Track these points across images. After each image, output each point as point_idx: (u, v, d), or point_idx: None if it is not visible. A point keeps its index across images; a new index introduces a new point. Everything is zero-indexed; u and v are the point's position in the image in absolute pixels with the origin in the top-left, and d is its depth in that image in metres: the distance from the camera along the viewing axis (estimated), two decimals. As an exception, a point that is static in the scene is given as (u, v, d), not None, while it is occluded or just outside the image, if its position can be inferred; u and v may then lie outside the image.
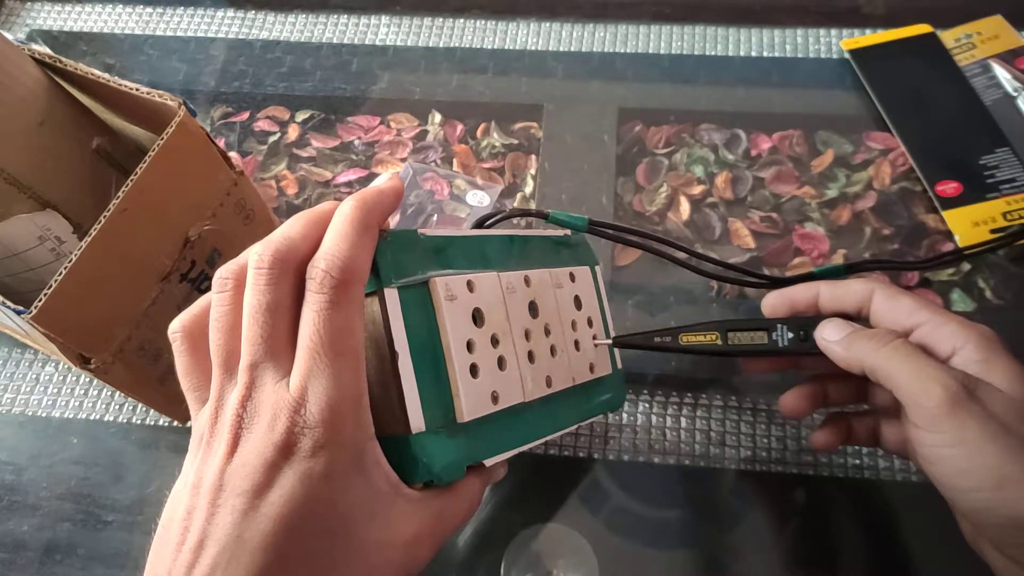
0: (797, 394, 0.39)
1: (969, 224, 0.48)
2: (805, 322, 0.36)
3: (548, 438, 0.35)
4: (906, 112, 0.54)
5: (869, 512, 0.41)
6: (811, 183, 0.52)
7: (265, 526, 0.25)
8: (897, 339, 0.33)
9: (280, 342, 0.27)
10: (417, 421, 0.28)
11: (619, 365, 0.41)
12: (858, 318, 0.36)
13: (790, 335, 0.36)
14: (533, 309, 0.35)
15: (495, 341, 0.32)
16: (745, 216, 0.51)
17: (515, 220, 0.44)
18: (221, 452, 0.26)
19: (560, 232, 0.40)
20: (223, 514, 0.26)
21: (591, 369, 0.38)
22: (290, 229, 0.28)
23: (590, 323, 0.38)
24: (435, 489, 0.29)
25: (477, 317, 0.32)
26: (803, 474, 0.42)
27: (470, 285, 0.31)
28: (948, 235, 0.49)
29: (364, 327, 0.28)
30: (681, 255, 0.46)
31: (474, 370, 0.31)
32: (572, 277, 0.38)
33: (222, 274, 0.28)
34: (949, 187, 0.50)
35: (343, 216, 0.28)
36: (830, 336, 0.35)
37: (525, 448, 0.33)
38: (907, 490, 0.41)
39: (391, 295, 0.28)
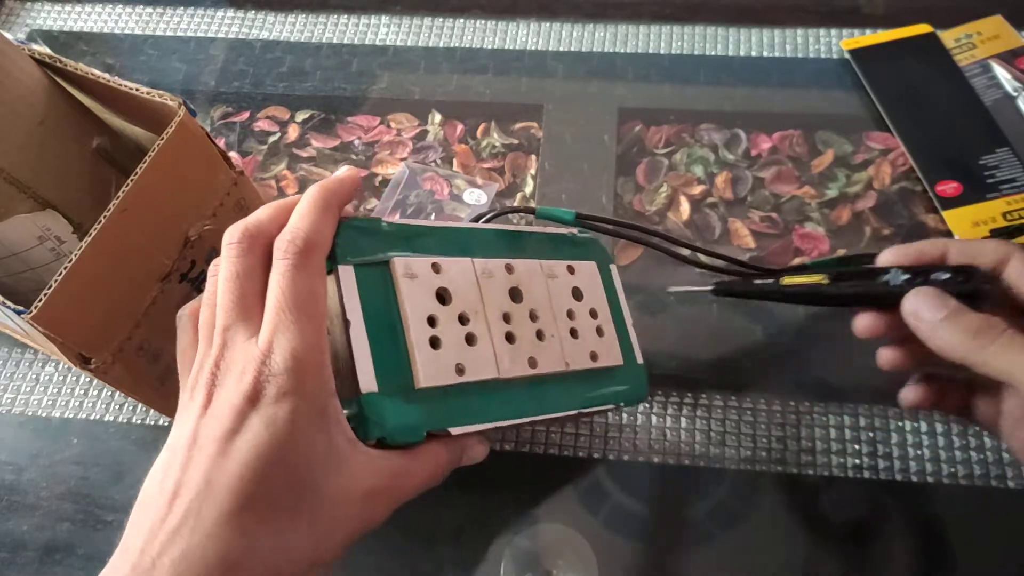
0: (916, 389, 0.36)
1: (969, 224, 0.48)
2: (926, 268, 0.32)
3: (535, 419, 0.36)
4: (906, 112, 0.54)
5: (869, 512, 0.41)
6: (811, 183, 0.52)
7: (233, 469, 0.27)
8: (1008, 330, 0.30)
9: (249, 306, 0.30)
10: (368, 383, 0.30)
11: (639, 360, 0.40)
12: (990, 280, 0.33)
13: (905, 276, 0.33)
14: (516, 295, 0.36)
15: (463, 319, 0.34)
16: (745, 216, 0.51)
17: (514, 219, 0.44)
18: (196, 408, 0.29)
19: (565, 230, 0.41)
20: (196, 463, 0.28)
21: (593, 358, 0.38)
22: (259, 212, 0.31)
23: (594, 314, 0.39)
24: (394, 450, 0.31)
25: (445, 296, 0.34)
26: (803, 474, 0.42)
27: (435, 267, 0.34)
28: (948, 235, 0.49)
29: (325, 296, 0.30)
30: (681, 250, 0.46)
31: (435, 342, 0.33)
32: (571, 270, 0.39)
33: (213, 261, 0.31)
34: (949, 187, 0.50)
35: (305, 198, 0.31)
36: (926, 314, 0.31)
37: (503, 424, 0.34)
38: (907, 490, 0.41)
39: (345, 270, 0.31)
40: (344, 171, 0.34)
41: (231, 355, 0.29)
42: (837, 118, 0.54)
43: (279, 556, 0.28)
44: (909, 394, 0.37)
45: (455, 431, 0.32)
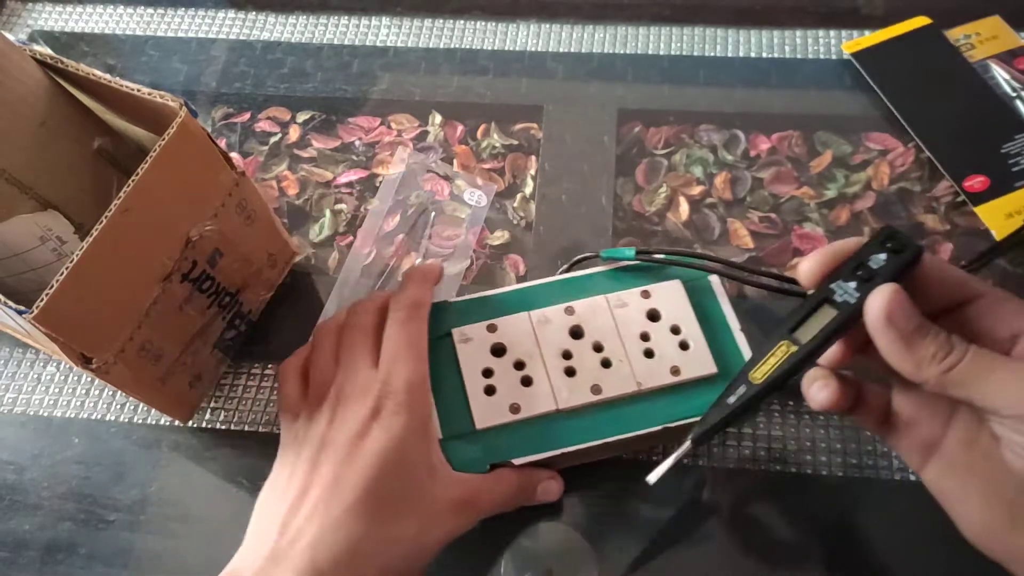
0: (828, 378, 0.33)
1: (1003, 217, 0.48)
2: (857, 264, 0.31)
3: (609, 440, 0.39)
4: (920, 109, 0.53)
5: (869, 511, 0.41)
6: (810, 183, 0.52)
7: (359, 468, 0.34)
8: (970, 349, 0.29)
9: (369, 348, 0.39)
10: (435, 433, 0.38)
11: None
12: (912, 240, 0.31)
13: (852, 286, 0.31)
14: (577, 332, 0.41)
15: (520, 365, 0.40)
16: (744, 216, 0.51)
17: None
18: (324, 422, 0.37)
19: (624, 262, 0.44)
20: (325, 464, 0.35)
21: (674, 372, 0.40)
22: (380, 294, 0.43)
23: (676, 330, 0.41)
24: (476, 473, 0.38)
25: (501, 350, 0.41)
26: (802, 473, 0.42)
27: (491, 327, 0.41)
28: (947, 235, 0.49)
29: (427, 342, 0.39)
30: (738, 273, 0.45)
31: (490, 390, 0.40)
32: (646, 294, 0.42)
33: (321, 329, 0.42)
34: (976, 181, 0.49)
35: (410, 275, 0.42)
36: (892, 314, 0.29)
37: (568, 450, 0.39)
38: (907, 489, 0.41)
39: None
40: (432, 261, 0.48)
41: (356, 380, 0.37)
42: (836, 119, 0.54)
43: (391, 544, 0.34)
44: (819, 391, 0.33)
45: (517, 461, 0.39)
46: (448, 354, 0.41)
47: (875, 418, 0.34)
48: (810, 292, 0.33)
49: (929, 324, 0.30)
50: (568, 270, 0.46)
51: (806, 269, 0.32)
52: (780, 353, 0.32)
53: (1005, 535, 0.30)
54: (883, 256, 0.31)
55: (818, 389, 0.33)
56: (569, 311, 0.42)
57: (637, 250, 0.44)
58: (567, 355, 0.40)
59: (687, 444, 0.35)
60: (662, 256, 0.44)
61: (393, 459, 0.35)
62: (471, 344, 0.41)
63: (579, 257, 0.47)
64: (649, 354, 0.40)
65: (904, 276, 0.31)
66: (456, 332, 0.41)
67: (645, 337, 0.41)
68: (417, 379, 0.37)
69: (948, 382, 0.29)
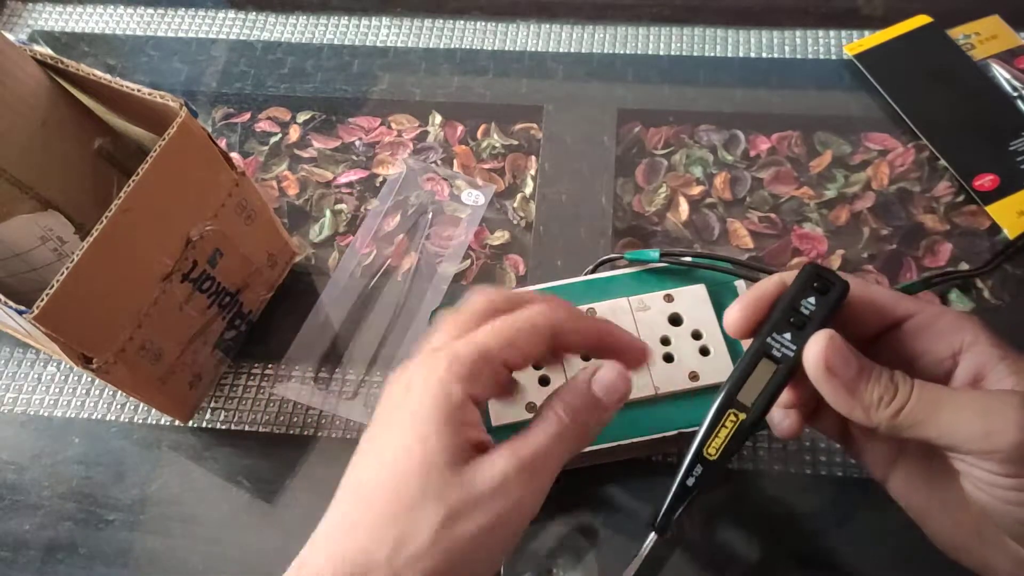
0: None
1: (1015, 215, 0.48)
2: (789, 312, 0.30)
3: (624, 443, 0.39)
4: (925, 108, 0.53)
5: (869, 511, 0.41)
6: (809, 184, 0.52)
7: None
8: (915, 387, 0.28)
9: None
10: None
11: None
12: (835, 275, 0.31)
13: (788, 337, 0.30)
14: None
15: (538, 364, 0.39)
16: (744, 216, 0.51)
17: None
18: None
19: (651, 264, 0.44)
20: None
21: (693, 378, 0.40)
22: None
23: (697, 336, 0.41)
24: None
25: None
26: (802, 473, 0.42)
27: None
28: (950, 234, 0.49)
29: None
30: (761, 276, 0.44)
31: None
32: (669, 298, 0.42)
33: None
34: (986, 180, 0.49)
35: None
36: (831, 363, 0.29)
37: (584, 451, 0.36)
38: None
39: None
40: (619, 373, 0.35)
41: None
42: (835, 119, 0.54)
43: None
44: (784, 425, 0.33)
45: None
46: None
47: (835, 429, 0.33)
48: (746, 342, 0.32)
49: (871, 365, 0.29)
50: (593, 271, 0.46)
51: (733, 320, 0.31)
52: (730, 424, 0.31)
53: (974, 549, 0.30)
54: (812, 299, 0.30)
55: (780, 419, 0.33)
56: (591, 312, 0.42)
57: (662, 252, 0.44)
58: (586, 356, 0.40)
59: (652, 536, 0.33)
60: (687, 259, 0.44)
61: None
62: None
63: (604, 258, 0.47)
64: (668, 358, 0.40)
65: (836, 314, 0.31)
66: None
67: (665, 341, 0.41)
68: None
69: (900, 426, 0.28)
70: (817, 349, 0.29)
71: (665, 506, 0.32)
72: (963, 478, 0.29)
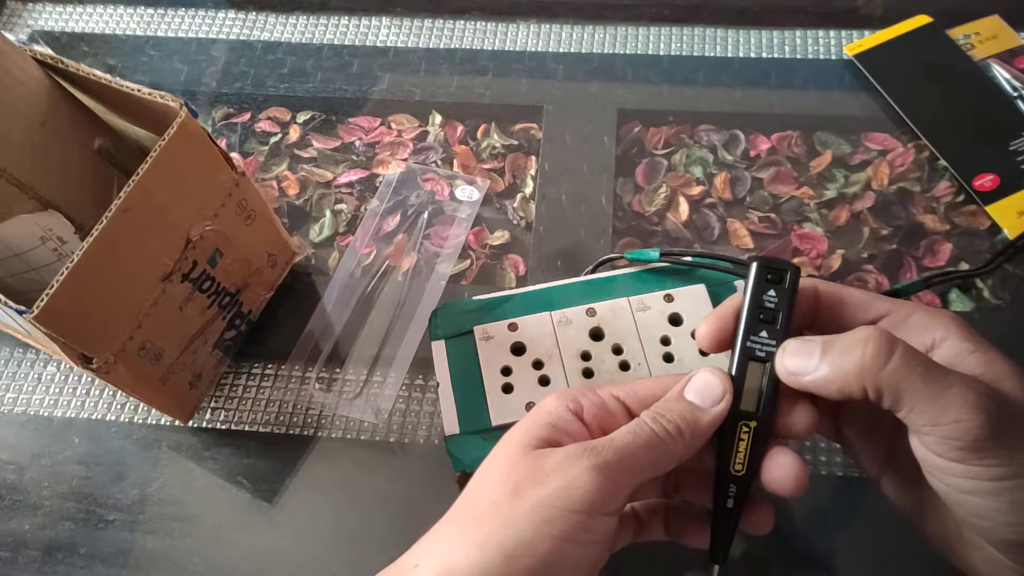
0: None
1: (1015, 215, 0.48)
2: (756, 310, 0.31)
3: None
4: (924, 108, 0.53)
5: (869, 511, 0.41)
6: (809, 184, 0.52)
7: None
8: (901, 346, 0.27)
9: None
10: (451, 427, 0.39)
11: None
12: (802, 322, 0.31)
13: (765, 335, 0.31)
14: (597, 334, 0.41)
15: (538, 365, 0.40)
16: (744, 217, 0.51)
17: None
18: None
19: (652, 264, 0.43)
20: None
21: None
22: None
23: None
24: None
25: (519, 349, 0.41)
26: (802, 473, 0.42)
27: (512, 326, 0.41)
28: (949, 233, 0.49)
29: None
30: None
31: (507, 388, 0.40)
32: (669, 298, 0.42)
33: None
34: (986, 180, 0.49)
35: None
36: (798, 366, 0.29)
37: None
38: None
39: (437, 344, 0.41)
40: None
41: None
42: (835, 119, 0.54)
43: None
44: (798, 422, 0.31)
45: None
46: (470, 350, 0.41)
47: (830, 427, 0.33)
48: (728, 352, 0.32)
49: (833, 337, 0.28)
50: (593, 271, 0.46)
51: (704, 335, 0.32)
52: (745, 436, 0.31)
53: (956, 548, 0.30)
54: (772, 292, 0.31)
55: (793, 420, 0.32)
56: (590, 312, 0.42)
57: (662, 252, 0.44)
58: (586, 356, 0.40)
59: (716, 569, 0.33)
60: (687, 259, 0.43)
61: None
62: (492, 342, 0.41)
63: (604, 258, 0.46)
64: (668, 358, 0.40)
65: (795, 299, 0.31)
66: (478, 329, 0.42)
67: (665, 341, 0.41)
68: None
69: (880, 382, 0.27)
70: (781, 368, 0.30)
71: (718, 537, 0.32)
72: (926, 471, 0.28)
